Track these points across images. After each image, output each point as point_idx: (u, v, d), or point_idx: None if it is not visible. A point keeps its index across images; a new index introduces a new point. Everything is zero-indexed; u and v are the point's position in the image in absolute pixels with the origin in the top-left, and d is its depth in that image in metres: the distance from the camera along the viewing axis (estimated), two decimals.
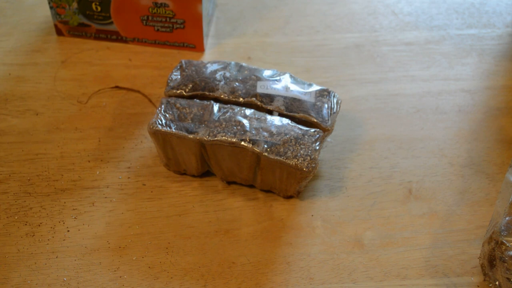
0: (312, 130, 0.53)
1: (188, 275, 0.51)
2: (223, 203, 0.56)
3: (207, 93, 0.56)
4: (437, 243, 0.54)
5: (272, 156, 0.51)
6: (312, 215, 0.55)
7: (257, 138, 0.51)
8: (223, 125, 0.52)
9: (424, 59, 0.72)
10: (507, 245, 0.47)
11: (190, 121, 0.53)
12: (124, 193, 0.56)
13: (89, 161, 0.59)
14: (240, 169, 0.54)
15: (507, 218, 0.48)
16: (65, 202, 0.55)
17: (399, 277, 0.51)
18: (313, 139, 0.52)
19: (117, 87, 0.66)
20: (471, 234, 0.54)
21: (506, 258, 0.47)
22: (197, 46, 0.71)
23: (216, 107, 0.54)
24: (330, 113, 0.55)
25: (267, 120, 0.53)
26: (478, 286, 0.51)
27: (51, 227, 0.53)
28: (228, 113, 0.53)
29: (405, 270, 0.52)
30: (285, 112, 0.54)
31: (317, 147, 0.52)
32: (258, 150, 0.51)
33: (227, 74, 0.57)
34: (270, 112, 0.55)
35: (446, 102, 0.66)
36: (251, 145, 0.51)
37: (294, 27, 0.75)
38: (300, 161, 0.51)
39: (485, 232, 0.52)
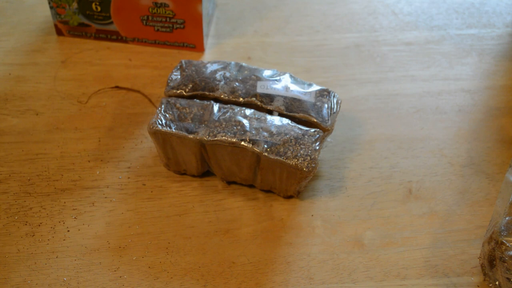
0: (312, 130, 0.53)
1: (188, 275, 0.51)
2: (223, 203, 0.56)
3: (207, 93, 0.56)
4: (437, 243, 0.54)
5: (272, 156, 0.51)
6: (312, 215, 0.55)
7: (257, 138, 0.51)
8: (223, 125, 0.52)
9: (424, 59, 0.72)
10: (507, 245, 0.47)
11: (190, 121, 0.53)
12: (124, 193, 0.56)
13: (89, 161, 0.59)
14: (240, 169, 0.54)
15: (507, 218, 0.48)
16: (65, 202, 0.55)
17: (399, 277, 0.51)
18: (313, 139, 0.52)
19: (117, 87, 0.66)
20: (471, 234, 0.54)
21: (506, 258, 0.47)
22: (197, 46, 0.71)
23: (216, 107, 0.54)
24: (330, 113, 0.55)
25: (267, 120, 0.53)
26: (478, 286, 0.51)
27: (51, 227, 0.53)
28: (228, 113, 0.53)
29: (405, 270, 0.52)
30: (285, 112, 0.54)
31: (317, 147, 0.52)
32: (258, 150, 0.51)
33: (227, 74, 0.57)
34: (270, 112, 0.55)
35: (446, 102, 0.66)
36: (251, 145, 0.51)
37: (294, 27, 0.75)
38: (300, 161, 0.51)
39: (485, 232, 0.52)
